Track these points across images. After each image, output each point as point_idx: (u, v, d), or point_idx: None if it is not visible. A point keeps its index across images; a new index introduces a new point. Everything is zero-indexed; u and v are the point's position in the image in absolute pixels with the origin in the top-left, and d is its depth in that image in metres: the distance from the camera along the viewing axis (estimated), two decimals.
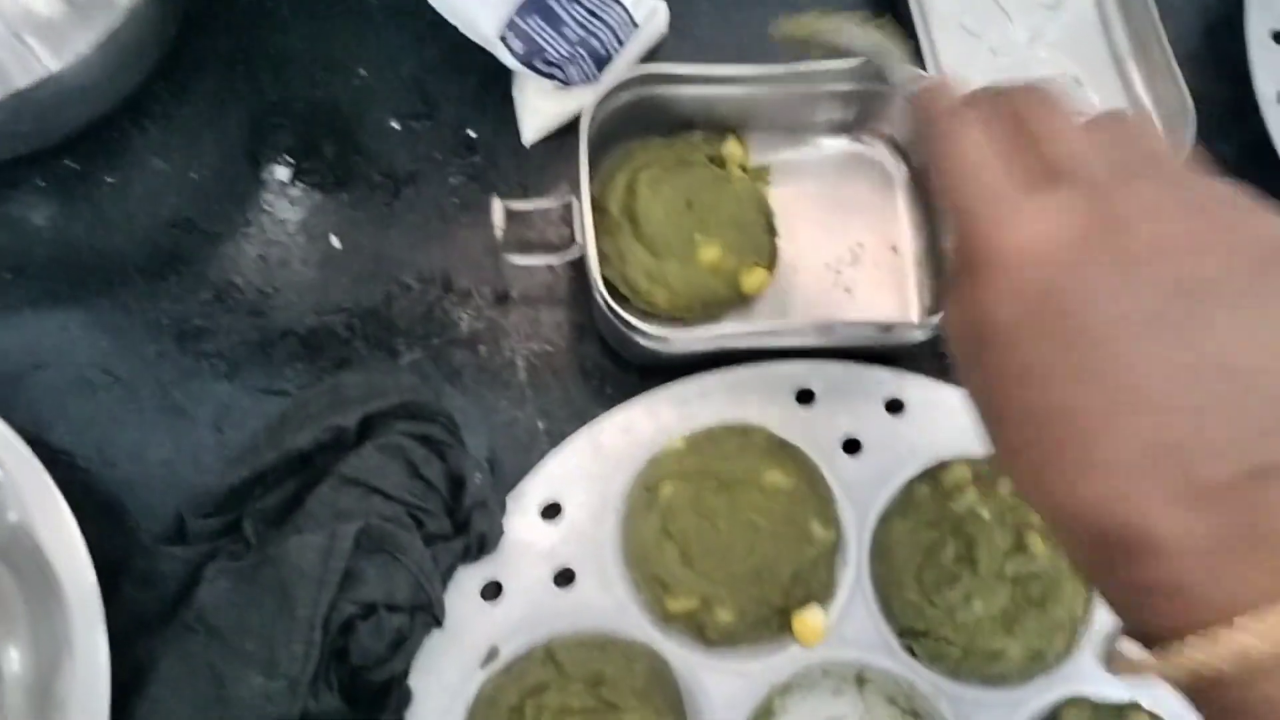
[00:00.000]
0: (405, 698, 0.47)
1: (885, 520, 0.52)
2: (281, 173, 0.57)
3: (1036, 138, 0.33)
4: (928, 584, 0.50)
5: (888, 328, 0.53)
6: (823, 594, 0.50)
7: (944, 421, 0.53)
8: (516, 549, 0.50)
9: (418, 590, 0.46)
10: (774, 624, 0.50)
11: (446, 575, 0.49)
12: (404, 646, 0.46)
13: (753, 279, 0.54)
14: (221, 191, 0.57)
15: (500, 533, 0.50)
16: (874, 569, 0.51)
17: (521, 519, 0.51)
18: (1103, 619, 0.51)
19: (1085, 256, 0.30)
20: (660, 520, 0.50)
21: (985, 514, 0.51)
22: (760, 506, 0.50)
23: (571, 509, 0.51)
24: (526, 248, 0.56)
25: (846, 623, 0.50)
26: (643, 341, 0.51)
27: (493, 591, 0.50)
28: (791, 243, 0.56)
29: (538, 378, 0.55)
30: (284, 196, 0.57)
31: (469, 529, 0.48)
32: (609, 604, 0.50)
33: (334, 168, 0.58)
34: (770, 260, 0.55)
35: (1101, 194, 0.31)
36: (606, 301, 0.49)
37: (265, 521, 0.48)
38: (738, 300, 0.55)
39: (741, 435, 0.52)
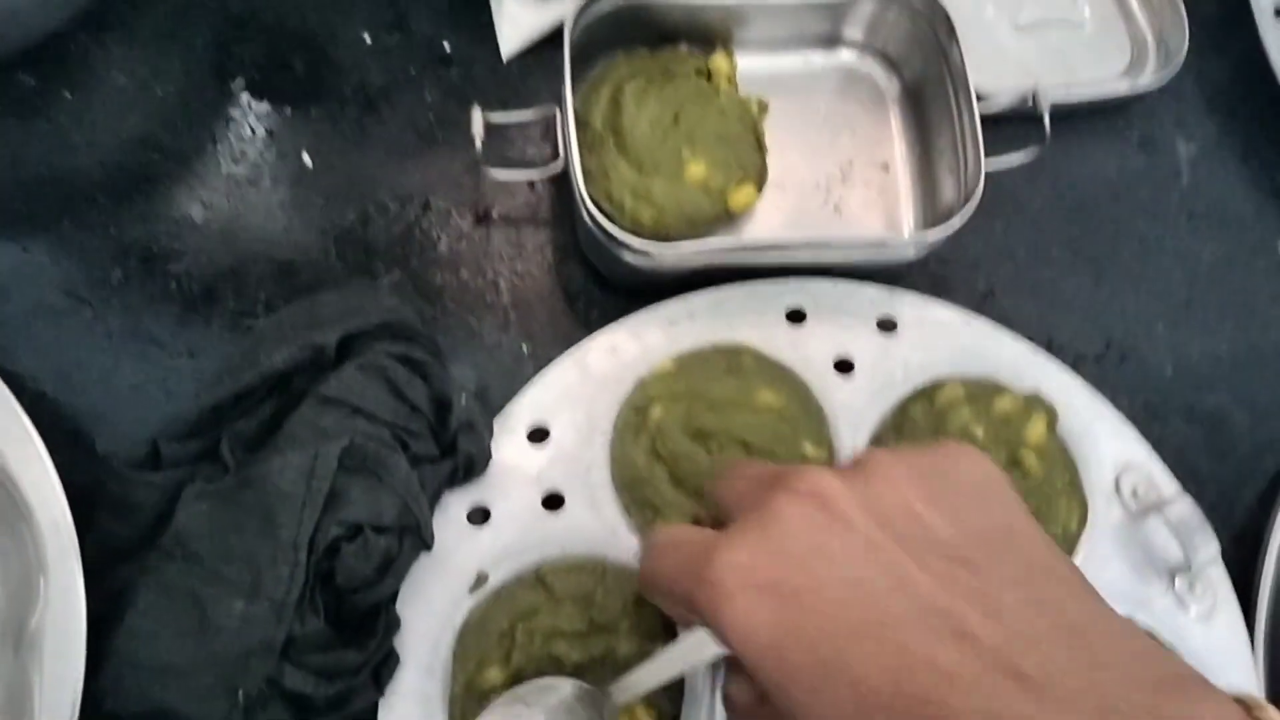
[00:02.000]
0: (394, 622, 0.46)
1: (878, 440, 0.51)
2: (250, 89, 0.55)
3: None
4: None
5: (880, 244, 0.52)
6: None
7: (937, 340, 0.53)
8: (504, 473, 0.49)
9: (404, 511, 0.44)
10: None
11: (433, 498, 0.47)
12: (392, 569, 0.44)
13: (740, 196, 0.52)
14: (187, 108, 0.54)
15: (488, 456, 0.48)
16: None
17: (509, 442, 0.49)
18: (1097, 532, 0.50)
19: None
20: (650, 442, 0.49)
21: (979, 432, 0.50)
22: (751, 426, 0.49)
23: (559, 432, 0.50)
24: (507, 162, 0.54)
25: None
26: (628, 258, 0.49)
27: (480, 516, 0.49)
28: (780, 160, 0.55)
29: (521, 300, 0.54)
30: (252, 113, 0.55)
31: (455, 451, 0.47)
32: (599, 527, 0.49)
33: (303, 83, 0.55)
34: (759, 178, 0.54)
35: None
36: (591, 215, 0.48)
37: (243, 444, 0.46)
38: (725, 218, 0.53)
39: (731, 356, 0.51)
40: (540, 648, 0.46)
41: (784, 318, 0.52)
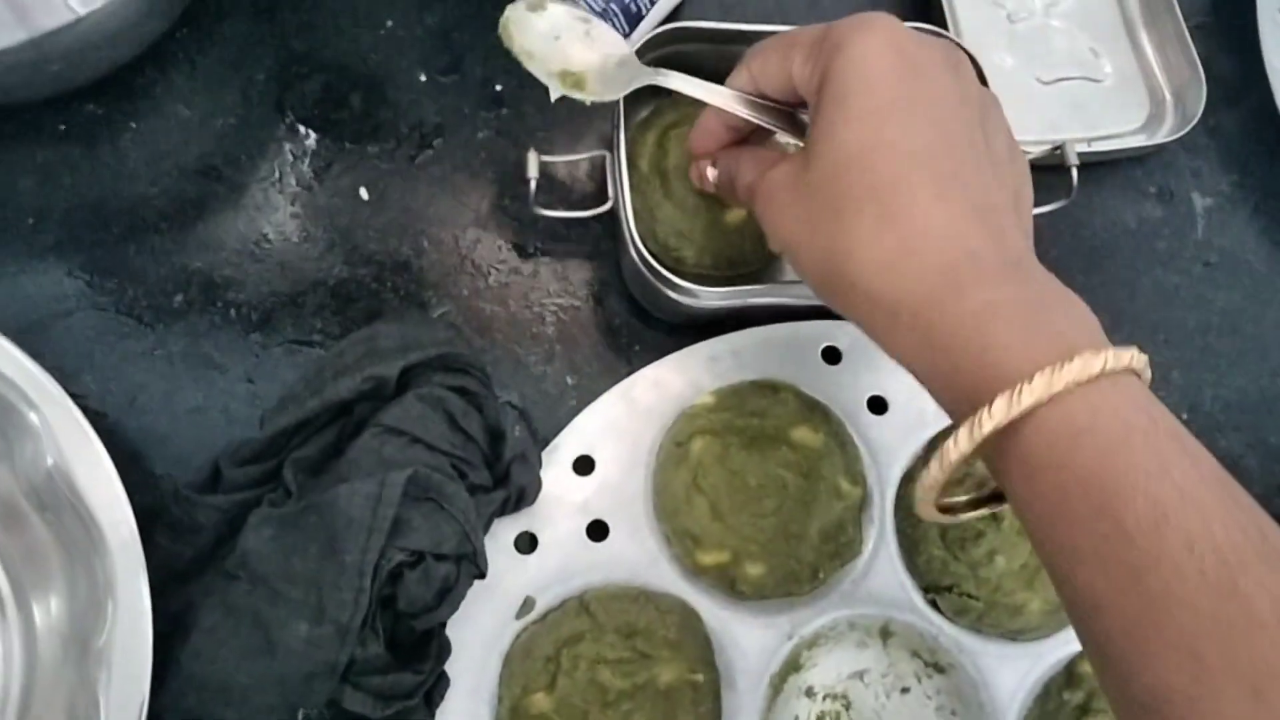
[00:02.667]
0: (446, 646, 0.47)
1: (910, 477, 0.53)
2: (308, 123, 0.57)
3: None
4: (951, 540, 0.51)
5: None
6: (849, 550, 0.51)
7: None
8: (550, 502, 0.51)
9: (463, 540, 0.46)
10: (804, 578, 0.51)
11: (485, 527, 0.49)
12: (450, 595, 0.46)
13: None
14: (247, 140, 0.56)
15: (538, 486, 0.50)
16: (899, 525, 0.52)
17: (555, 472, 0.51)
18: None
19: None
20: (690, 475, 0.51)
21: None
22: (789, 463, 0.51)
23: (603, 463, 0.52)
24: (555, 201, 0.56)
25: (873, 577, 0.51)
26: (675, 296, 0.51)
27: (527, 543, 0.51)
28: None
29: (566, 333, 0.56)
30: (310, 147, 0.57)
31: (508, 481, 0.49)
32: (641, 556, 0.51)
33: (361, 119, 0.57)
34: None
35: None
36: (640, 254, 0.50)
37: (305, 470, 0.48)
38: (765, 259, 0.55)
39: (771, 393, 0.53)
40: (584, 673, 0.48)
41: (821, 357, 0.54)
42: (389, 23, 0.59)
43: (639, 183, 0.54)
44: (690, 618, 0.50)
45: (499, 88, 0.59)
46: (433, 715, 0.47)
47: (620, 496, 0.51)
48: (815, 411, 0.53)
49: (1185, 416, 0.59)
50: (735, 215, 0.54)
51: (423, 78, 0.58)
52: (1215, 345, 0.61)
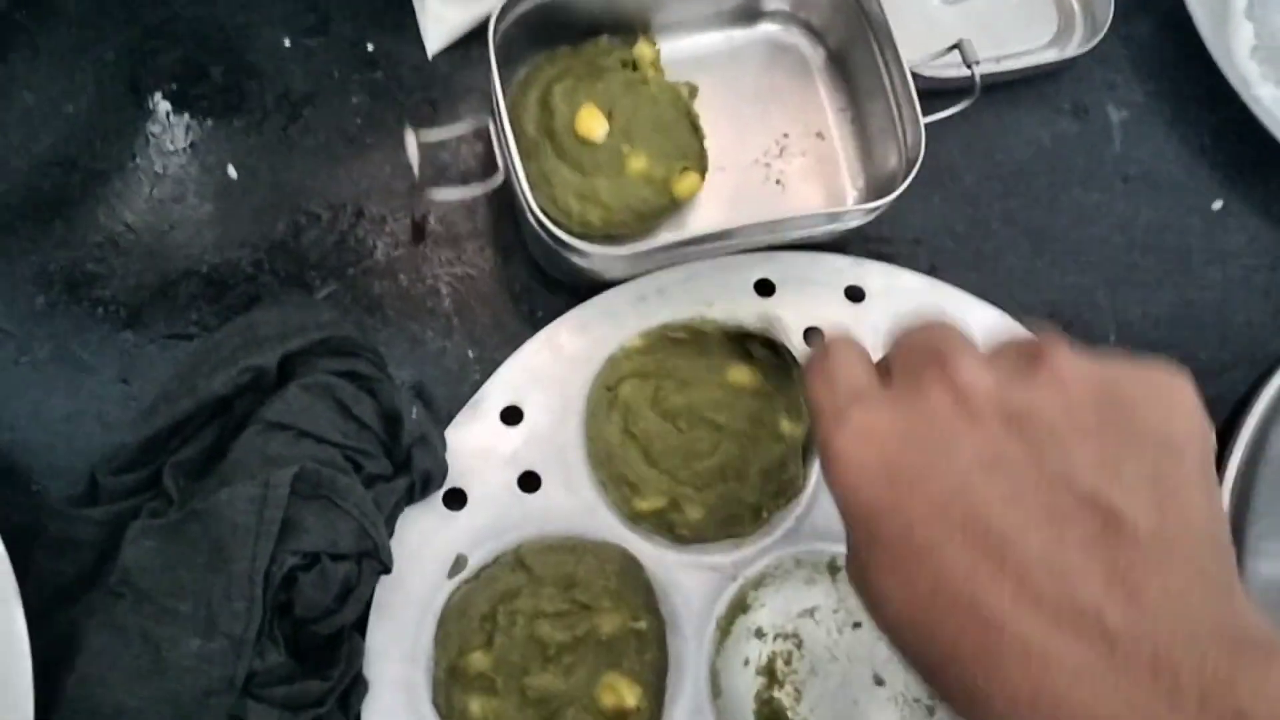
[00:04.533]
0: (358, 649, 0.45)
1: None
2: (168, 101, 0.53)
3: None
4: None
5: (833, 215, 0.51)
6: (792, 488, 0.50)
7: (904, 305, 0.53)
8: (479, 455, 0.49)
9: (362, 536, 0.43)
10: (746, 520, 0.49)
11: (391, 518, 0.46)
12: (352, 596, 0.43)
13: (685, 185, 0.52)
14: (102, 125, 0.52)
15: (444, 469, 0.47)
16: None
17: (482, 424, 0.49)
18: None
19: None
20: (622, 420, 0.49)
21: None
22: (722, 405, 0.50)
23: (532, 412, 0.50)
24: (446, 179, 0.53)
25: (817, 513, 0.50)
26: (581, 262, 0.49)
27: (457, 500, 0.48)
28: (716, 141, 0.54)
29: (464, 305, 0.53)
30: (172, 126, 0.53)
31: (410, 467, 0.46)
32: (576, 506, 0.49)
33: (224, 92, 0.54)
34: (700, 163, 0.53)
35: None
36: (543, 224, 0.47)
37: (186, 474, 0.45)
38: (672, 207, 0.52)
39: (700, 333, 0.51)
40: (523, 629, 0.46)
41: (753, 290, 0.52)
42: None
43: (528, 148, 0.51)
44: (630, 565, 0.48)
45: (370, 47, 0.55)
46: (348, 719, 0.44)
47: (551, 446, 0.49)
48: (751, 348, 0.51)
49: (1114, 338, 0.57)
50: (636, 164, 0.51)
51: (287, 42, 0.55)
52: (1140, 261, 0.59)
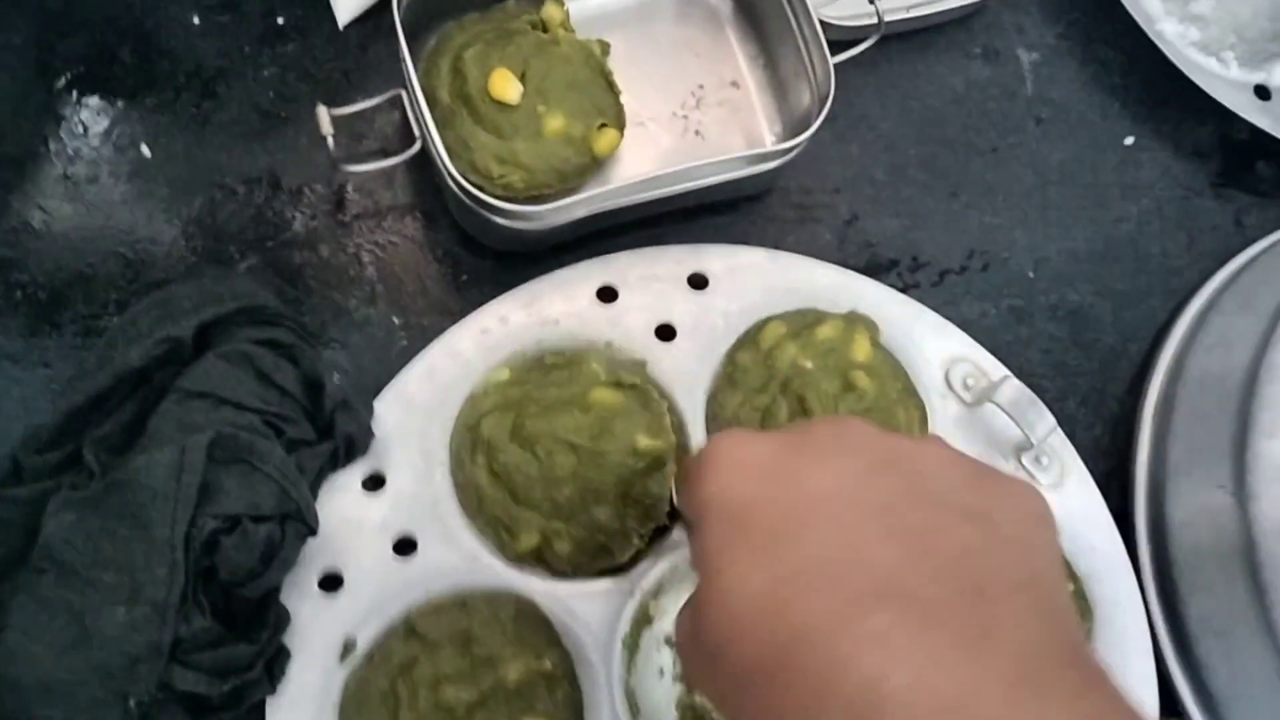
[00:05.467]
0: (284, 615, 0.45)
1: (715, 397, 0.51)
2: (77, 84, 0.53)
3: None
4: None
5: (753, 158, 0.51)
6: (659, 509, 0.48)
7: (750, 284, 0.53)
8: (347, 530, 0.47)
9: (283, 498, 0.43)
10: (617, 546, 0.47)
11: (316, 482, 0.46)
12: (276, 558, 0.43)
13: (604, 141, 0.52)
14: (12, 111, 0.52)
15: (369, 434, 0.47)
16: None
17: (344, 496, 0.47)
18: (939, 429, 0.52)
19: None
20: (486, 460, 0.47)
21: (808, 364, 0.50)
22: (582, 426, 0.47)
23: (396, 473, 0.48)
24: (363, 153, 0.54)
25: None
26: (506, 223, 0.49)
27: (332, 583, 0.46)
28: (633, 97, 0.54)
29: (387, 272, 0.53)
30: (83, 109, 0.53)
31: (334, 433, 0.46)
32: (458, 559, 0.47)
33: (134, 73, 0.53)
34: (617, 119, 0.53)
35: None
36: (465, 189, 0.47)
37: (108, 449, 0.44)
38: (593, 165, 0.53)
39: (571, 364, 0.50)
40: (426, 699, 0.44)
41: (595, 298, 0.52)
42: None
43: (444, 116, 0.51)
44: (525, 607, 0.46)
45: (281, 20, 0.55)
46: (274, 689, 0.44)
47: (420, 503, 0.47)
48: (618, 366, 0.50)
49: (1032, 274, 0.58)
50: (554, 124, 0.51)
51: (196, 20, 0.54)
52: (1055, 199, 0.60)
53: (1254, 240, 0.60)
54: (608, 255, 0.52)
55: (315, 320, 0.51)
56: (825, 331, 0.51)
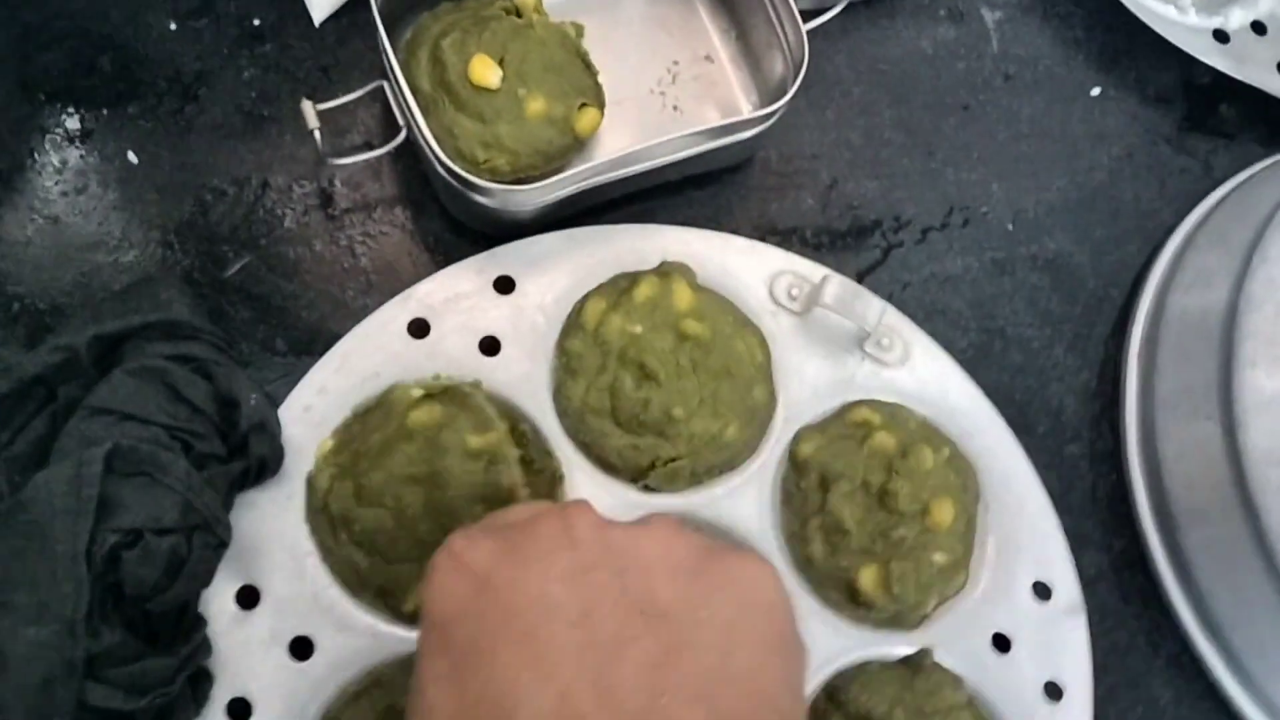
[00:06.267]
0: (200, 622, 0.44)
1: (559, 392, 0.50)
2: (59, 96, 0.53)
3: None
4: (631, 420, 0.49)
5: (730, 127, 0.52)
6: (516, 488, 0.48)
7: (555, 271, 0.52)
8: (238, 652, 0.45)
9: (187, 510, 0.42)
10: None
11: (227, 500, 0.46)
12: (184, 570, 0.42)
13: (586, 120, 0.53)
14: None
15: (280, 454, 0.47)
16: (581, 439, 0.50)
17: (219, 619, 0.45)
18: (780, 347, 0.52)
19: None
20: (346, 533, 0.46)
21: (638, 329, 0.49)
22: (410, 457, 0.46)
23: (267, 582, 0.46)
24: (347, 147, 0.54)
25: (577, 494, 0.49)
26: (499, 206, 0.50)
27: (242, 707, 0.44)
28: (610, 77, 0.55)
29: (381, 262, 0.53)
30: (66, 120, 0.53)
31: (247, 451, 0.45)
32: (359, 642, 0.46)
33: (115, 81, 0.54)
34: (597, 99, 0.54)
35: None
36: (457, 175, 0.48)
37: (20, 468, 0.43)
38: (576, 146, 0.54)
39: (382, 401, 0.49)
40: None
41: (408, 335, 0.50)
42: None
43: (426, 105, 0.51)
44: None
45: (257, 22, 0.55)
46: (199, 709, 0.43)
47: (302, 603, 0.46)
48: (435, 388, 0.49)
49: (1011, 226, 0.59)
50: (535, 106, 0.52)
51: (173, 25, 0.55)
52: (1029, 153, 0.61)
53: (1222, 181, 0.62)
54: (407, 290, 0.50)
55: (313, 312, 0.51)
56: (643, 291, 0.50)
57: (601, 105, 0.55)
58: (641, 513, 0.45)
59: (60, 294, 0.50)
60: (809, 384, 0.52)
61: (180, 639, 0.43)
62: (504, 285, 0.52)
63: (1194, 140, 0.63)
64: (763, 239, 0.56)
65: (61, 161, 0.52)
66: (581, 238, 0.53)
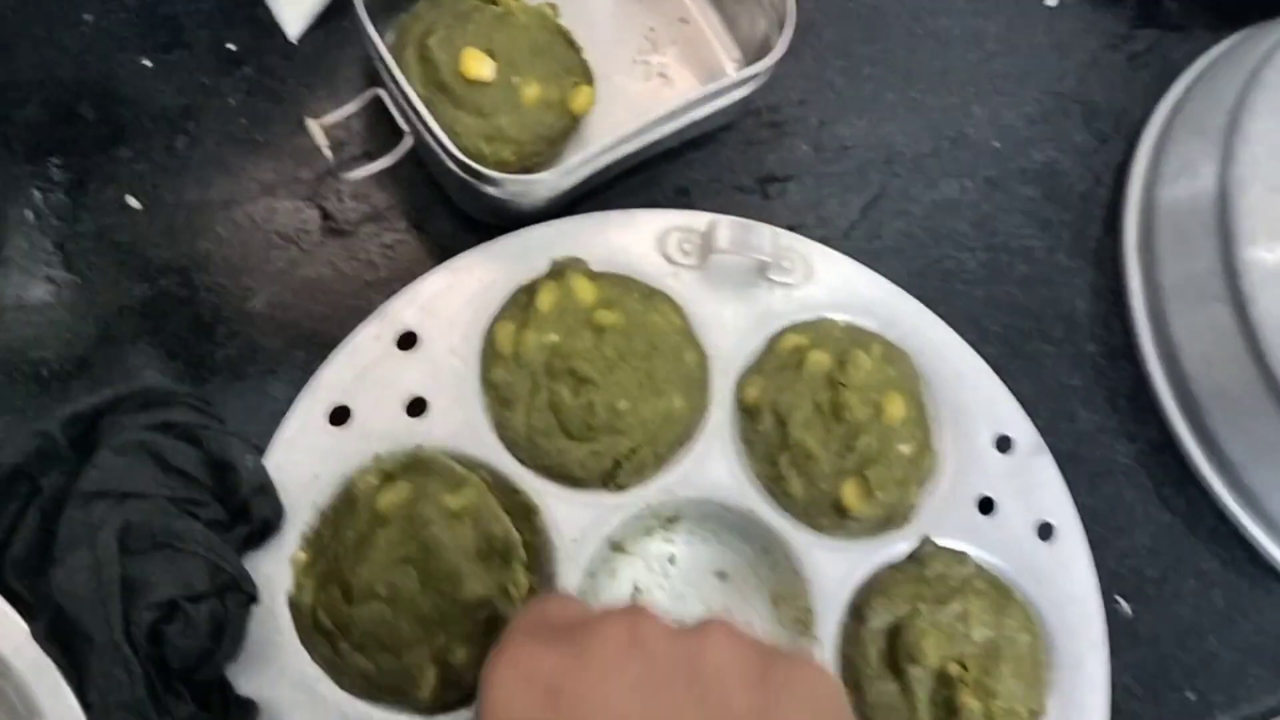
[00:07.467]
0: (254, 706, 0.44)
1: (500, 424, 0.49)
2: (45, 150, 0.51)
3: None
4: (581, 434, 0.49)
5: (726, 87, 0.52)
6: (510, 533, 0.47)
7: (453, 307, 0.50)
8: None
9: (215, 571, 0.42)
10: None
11: None
12: (226, 633, 0.42)
13: (581, 98, 0.53)
14: None
15: (282, 514, 0.46)
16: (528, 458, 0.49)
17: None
18: (693, 305, 0.52)
19: None
20: (347, 643, 0.45)
21: (553, 337, 0.49)
22: (393, 540, 0.45)
23: (268, 696, 0.45)
24: (349, 158, 0.54)
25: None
26: (514, 196, 0.50)
27: None
28: (592, 52, 0.55)
29: (401, 268, 0.53)
30: (56, 174, 0.51)
31: (249, 516, 0.45)
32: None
33: (99, 126, 0.52)
34: (585, 74, 0.54)
35: None
36: (472, 169, 0.48)
37: (26, 572, 0.42)
38: (574, 125, 0.54)
39: (345, 500, 0.47)
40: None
41: (330, 426, 0.48)
42: (86, 16, 0.53)
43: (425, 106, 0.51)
44: None
45: (232, 47, 0.54)
46: None
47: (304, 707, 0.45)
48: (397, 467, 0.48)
49: (997, 144, 0.61)
50: (530, 93, 0.52)
51: (147, 62, 0.53)
52: (1000, 70, 0.63)
53: (1181, 71, 0.64)
54: (311, 381, 0.48)
55: (346, 330, 0.51)
56: (545, 299, 0.49)
57: (591, 81, 0.55)
58: (623, 515, 0.48)
59: (87, 348, 0.49)
60: (730, 330, 0.52)
61: (241, 714, 0.43)
62: (407, 341, 0.50)
63: (1148, 36, 0.65)
64: (765, 190, 0.57)
65: (60, 216, 0.51)
66: (463, 263, 0.51)
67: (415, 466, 0.47)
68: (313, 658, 0.45)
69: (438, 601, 0.45)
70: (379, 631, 0.44)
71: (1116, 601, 0.55)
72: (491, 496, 0.47)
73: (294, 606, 0.46)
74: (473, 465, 0.48)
